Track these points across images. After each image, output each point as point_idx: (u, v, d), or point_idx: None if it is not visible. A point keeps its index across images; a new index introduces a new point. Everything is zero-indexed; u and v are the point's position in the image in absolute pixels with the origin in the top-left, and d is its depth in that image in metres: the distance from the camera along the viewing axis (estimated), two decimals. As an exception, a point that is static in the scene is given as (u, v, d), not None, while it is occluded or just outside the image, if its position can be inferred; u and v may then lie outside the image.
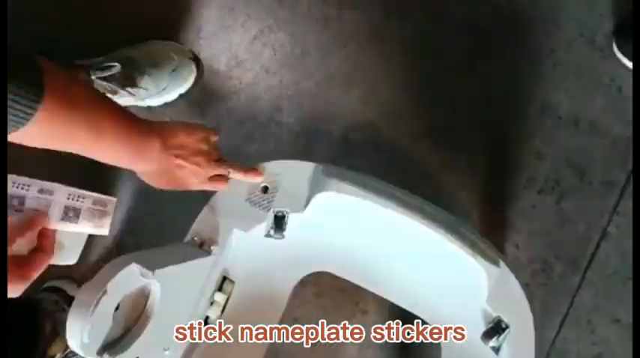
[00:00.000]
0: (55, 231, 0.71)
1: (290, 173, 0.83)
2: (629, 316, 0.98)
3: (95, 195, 0.72)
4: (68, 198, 0.69)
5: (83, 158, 0.64)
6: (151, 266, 0.68)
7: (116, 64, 1.03)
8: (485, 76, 1.05)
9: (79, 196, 0.70)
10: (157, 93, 1.08)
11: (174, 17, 1.12)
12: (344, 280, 0.91)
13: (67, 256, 0.75)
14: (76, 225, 0.70)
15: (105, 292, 0.63)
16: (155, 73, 1.06)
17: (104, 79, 1.03)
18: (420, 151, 1.05)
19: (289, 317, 1.04)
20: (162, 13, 1.13)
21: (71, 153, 0.61)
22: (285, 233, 0.84)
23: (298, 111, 1.09)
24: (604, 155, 1.00)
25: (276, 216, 0.83)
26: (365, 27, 1.08)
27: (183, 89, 1.09)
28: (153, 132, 0.71)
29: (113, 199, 0.74)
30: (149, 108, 1.10)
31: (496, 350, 0.77)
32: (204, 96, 1.11)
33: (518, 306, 0.77)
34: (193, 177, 0.78)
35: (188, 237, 0.83)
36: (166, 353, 0.81)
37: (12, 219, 0.66)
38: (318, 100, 1.08)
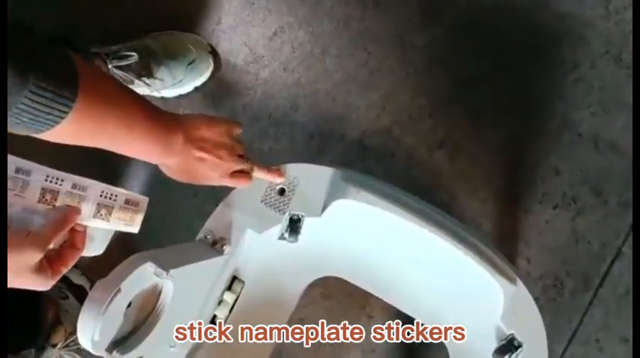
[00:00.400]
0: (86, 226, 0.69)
1: (308, 176, 0.82)
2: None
3: (127, 193, 0.70)
4: (101, 196, 0.68)
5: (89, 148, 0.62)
6: (166, 265, 0.67)
7: (133, 53, 1.01)
8: (505, 88, 1.04)
9: (111, 194, 0.68)
10: (172, 85, 1.06)
11: (194, 7, 1.11)
12: (352, 284, 0.90)
13: (95, 248, 0.74)
14: (108, 223, 0.69)
15: (119, 290, 0.63)
16: (172, 65, 1.05)
17: (120, 68, 1.01)
18: (435, 160, 1.04)
19: (295, 317, 1.04)
20: (182, 2, 1.11)
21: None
22: (299, 237, 0.83)
23: (314, 111, 1.08)
24: (622, 175, 0.99)
25: (291, 220, 0.82)
26: (387, 31, 1.06)
27: (199, 82, 1.08)
28: (177, 124, 0.70)
29: (145, 199, 0.73)
30: (163, 99, 1.09)
31: (507, 367, 0.77)
32: (219, 90, 1.10)
33: (532, 325, 0.76)
34: (215, 170, 0.75)
35: (201, 235, 0.82)
36: (172, 349, 0.81)
37: (48, 217, 0.64)
38: (335, 102, 1.07)
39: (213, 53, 1.09)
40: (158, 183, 1.10)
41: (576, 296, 1.00)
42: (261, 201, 0.82)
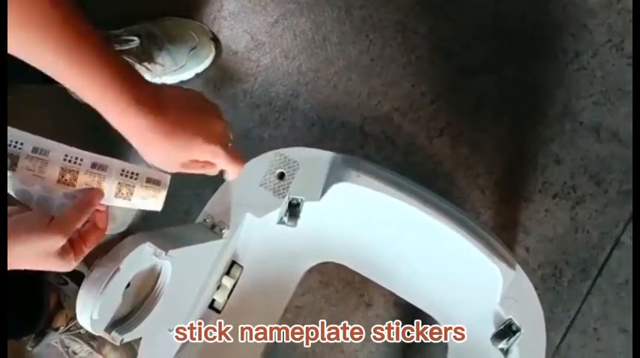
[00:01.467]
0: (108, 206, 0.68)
1: (308, 161, 0.82)
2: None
3: (148, 170, 0.68)
4: (122, 174, 0.65)
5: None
6: (165, 246, 0.67)
7: (135, 38, 1.01)
8: (507, 77, 1.03)
9: (132, 172, 0.66)
10: (173, 71, 1.06)
11: (196, -6, 1.11)
12: (350, 271, 0.90)
13: (117, 227, 0.72)
14: (129, 202, 0.67)
15: (118, 270, 0.62)
16: (174, 50, 1.04)
17: (121, 52, 1.01)
18: (436, 147, 1.04)
19: (292, 305, 1.04)
20: (184, -12, 1.11)
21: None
22: (298, 221, 0.83)
23: (315, 98, 1.07)
24: (623, 164, 0.99)
25: (290, 204, 0.82)
26: (389, 18, 1.06)
27: (200, 69, 1.08)
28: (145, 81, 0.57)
29: (167, 176, 0.71)
30: (163, 85, 1.09)
31: (505, 352, 0.77)
32: (220, 77, 1.10)
33: (531, 310, 0.76)
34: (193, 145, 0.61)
35: (200, 218, 0.82)
36: (171, 333, 0.81)
37: (70, 200, 0.63)
38: (337, 89, 1.07)
39: (215, 40, 1.08)
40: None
41: (575, 286, 1.00)
42: (260, 185, 0.82)
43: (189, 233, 0.79)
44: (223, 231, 0.82)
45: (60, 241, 0.59)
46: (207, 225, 0.82)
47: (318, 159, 0.82)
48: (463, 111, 1.04)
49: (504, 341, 0.76)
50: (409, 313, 1.03)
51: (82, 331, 1.06)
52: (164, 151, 0.60)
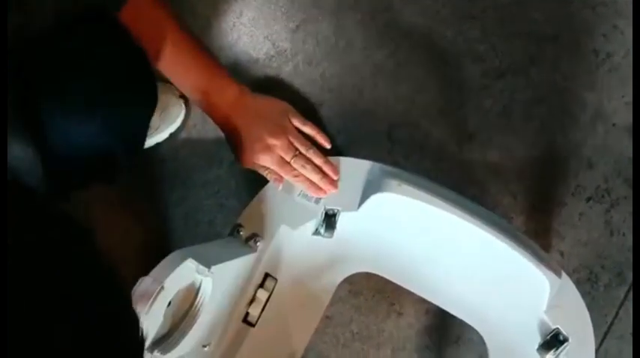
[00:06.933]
0: None
1: (345, 170, 0.81)
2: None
3: None
4: None
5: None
6: (207, 262, 0.66)
7: None
8: (537, 80, 1.02)
9: None
10: (148, 135, 1.05)
11: (213, 1, 1.09)
12: (380, 280, 0.88)
13: None
14: None
15: (162, 288, 0.61)
16: None
17: None
18: (465, 154, 1.02)
19: (322, 315, 1.02)
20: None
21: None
22: (334, 232, 0.81)
23: (340, 106, 1.06)
24: (658, 166, 0.98)
25: (327, 214, 0.80)
26: (415, 22, 1.04)
27: (173, 128, 1.06)
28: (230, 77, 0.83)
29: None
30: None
31: (552, 363, 0.75)
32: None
33: (578, 319, 0.75)
34: (271, 138, 0.82)
35: (232, 230, 0.80)
36: (205, 349, 0.79)
37: None
38: (362, 96, 1.05)
39: (183, 97, 1.06)
40: (179, 183, 1.08)
41: (611, 290, 0.98)
42: (298, 195, 0.80)
43: (225, 247, 0.77)
44: (258, 243, 0.80)
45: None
46: (241, 238, 0.80)
47: (354, 168, 0.80)
48: (492, 115, 1.02)
49: (552, 352, 0.74)
50: (442, 321, 1.01)
51: None
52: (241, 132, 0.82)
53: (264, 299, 0.84)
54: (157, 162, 1.08)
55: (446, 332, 1.01)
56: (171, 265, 0.63)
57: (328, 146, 0.87)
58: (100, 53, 0.58)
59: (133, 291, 0.61)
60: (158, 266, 0.63)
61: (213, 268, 0.67)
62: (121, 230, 1.08)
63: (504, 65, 1.02)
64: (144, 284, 0.61)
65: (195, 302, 0.70)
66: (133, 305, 0.61)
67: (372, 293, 1.03)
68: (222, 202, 1.07)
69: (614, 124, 0.99)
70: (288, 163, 0.81)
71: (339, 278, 0.89)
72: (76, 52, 0.56)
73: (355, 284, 1.03)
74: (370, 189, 0.77)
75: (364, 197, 0.77)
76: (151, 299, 0.60)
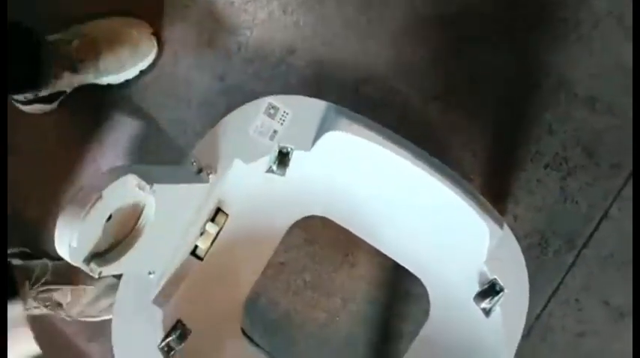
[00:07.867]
0: None
1: (300, 109, 0.81)
2: (619, 299, 0.98)
3: None
4: None
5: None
6: (149, 179, 0.66)
7: (73, 39, 1.00)
8: (506, 45, 1.02)
9: None
10: (116, 71, 1.05)
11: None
12: (335, 229, 0.88)
13: None
14: None
15: (100, 197, 0.61)
16: (115, 50, 1.03)
17: (59, 53, 0.99)
18: (430, 112, 1.03)
19: (276, 261, 1.03)
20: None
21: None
22: (287, 170, 0.81)
23: (311, 56, 1.06)
24: (616, 138, 0.98)
25: (280, 152, 0.81)
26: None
27: (143, 65, 1.06)
28: None
29: None
30: (109, 86, 1.07)
31: (487, 312, 0.76)
32: (215, 27, 1.07)
33: (516, 271, 0.76)
34: None
35: (187, 161, 0.80)
36: (151, 276, 0.79)
37: None
38: (333, 48, 1.05)
39: (155, 34, 1.07)
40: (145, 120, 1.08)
41: (560, 256, 1.00)
42: (251, 132, 0.80)
43: (175, 172, 0.77)
44: (210, 175, 0.80)
45: None
46: (194, 169, 0.80)
47: (311, 107, 0.80)
48: (459, 77, 1.03)
49: (487, 301, 0.75)
50: (393, 275, 1.02)
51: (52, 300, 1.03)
52: None
53: (213, 233, 0.84)
54: (125, 98, 1.08)
55: (396, 286, 1.03)
56: (111, 177, 0.63)
57: None
58: None
59: (71, 197, 0.61)
60: (98, 177, 0.63)
61: (157, 187, 0.66)
62: (78, 166, 1.08)
63: (475, 30, 1.03)
64: (83, 191, 0.61)
65: (138, 223, 0.71)
66: (70, 210, 0.62)
67: (327, 242, 1.04)
68: (188, 142, 1.07)
69: (575, 94, 1.00)
70: None
71: (292, 220, 0.90)
72: None
73: (311, 232, 1.04)
74: (324, 128, 0.77)
75: (317, 136, 0.78)
76: (88, 206, 0.60)
